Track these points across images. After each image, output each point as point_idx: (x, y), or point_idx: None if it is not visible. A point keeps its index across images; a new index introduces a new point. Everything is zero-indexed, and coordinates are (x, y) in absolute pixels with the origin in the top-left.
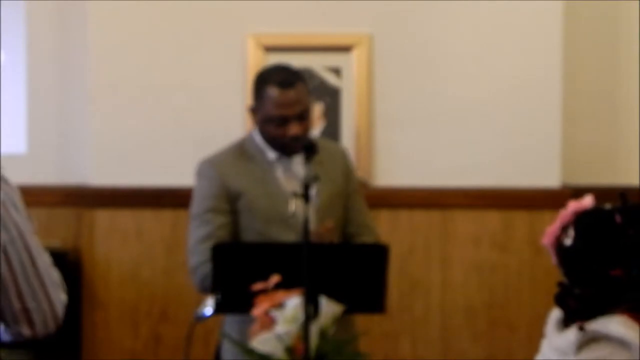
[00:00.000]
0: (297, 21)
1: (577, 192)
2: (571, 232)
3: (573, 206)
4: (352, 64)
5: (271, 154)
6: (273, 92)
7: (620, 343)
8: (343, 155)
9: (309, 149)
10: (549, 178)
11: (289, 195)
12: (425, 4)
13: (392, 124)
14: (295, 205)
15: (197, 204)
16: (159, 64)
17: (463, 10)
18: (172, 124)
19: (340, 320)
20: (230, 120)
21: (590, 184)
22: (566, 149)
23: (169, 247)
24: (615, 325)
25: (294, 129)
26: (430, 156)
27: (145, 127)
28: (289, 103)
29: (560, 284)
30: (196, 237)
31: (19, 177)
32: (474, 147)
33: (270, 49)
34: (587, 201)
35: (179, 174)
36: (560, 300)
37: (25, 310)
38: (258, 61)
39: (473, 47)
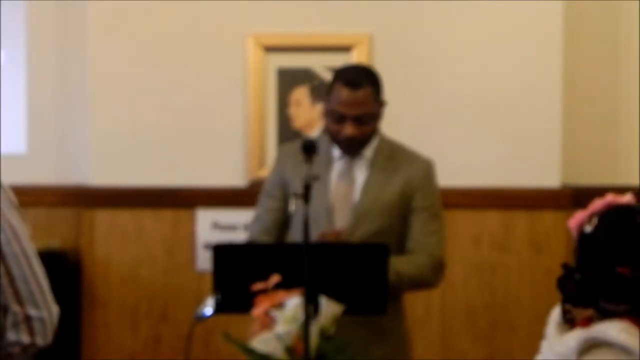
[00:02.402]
0: (297, 21)
1: (577, 192)
2: (595, 221)
3: (609, 198)
4: None
5: (336, 151)
6: (339, 88)
7: (622, 349)
8: (421, 171)
9: (309, 149)
10: (549, 178)
11: (328, 197)
12: (425, 4)
13: (392, 124)
14: (294, 205)
15: (264, 187)
16: (159, 64)
17: (463, 10)
18: (172, 124)
19: (384, 331)
20: (231, 120)
21: (590, 184)
22: (566, 149)
23: (169, 247)
24: (616, 331)
25: (348, 130)
26: (430, 156)
27: (145, 127)
28: (349, 103)
29: (564, 266)
30: (254, 216)
31: (19, 177)
32: (474, 147)
33: (270, 49)
34: (626, 198)
35: (179, 174)
36: (561, 282)
37: (27, 318)
38: (258, 61)
39: (473, 47)
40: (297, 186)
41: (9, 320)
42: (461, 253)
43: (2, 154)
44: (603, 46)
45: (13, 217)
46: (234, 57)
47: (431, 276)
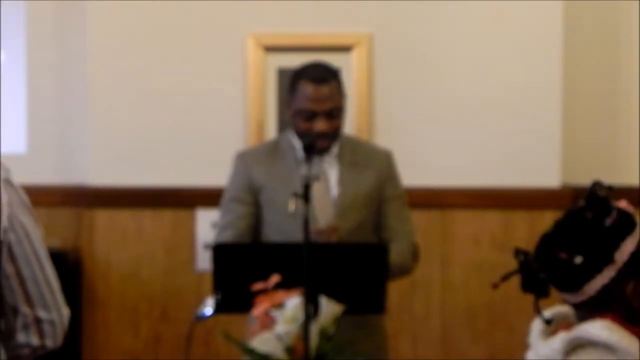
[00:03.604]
0: (297, 21)
1: (577, 192)
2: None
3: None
4: (352, 64)
5: (301, 151)
6: (305, 86)
7: (606, 347)
8: (385, 161)
9: (309, 149)
10: (549, 178)
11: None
12: (425, 4)
13: (392, 124)
14: (294, 205)
15: (226, 193)
16: (159, 64)
17: (463, 10)
18: (172, 124)
19: (370, 327)
20: (231, 120)
21: (590, 184)
22: (566, 149)
23: (169, 247)
24: (598, 329)
25: (321, 125)
26: (430, 156)
27: (145, 127)
28: (319, 98)
29: (521, 253)
30: (220, 224)
31: (19, 177)
32: (474, 147)
33: (270, 49)
34: (622, 202)
35: (179, 174)
36: (522, 268)
37: (37, 320)
38: (258, 61)
39: (473, 47)
40: (275, 189)
41: (19, 322)
42: (461, 253)
43: (2, 154)
44: (603, 46)
45: (25, 217)
46: (234, 57)
47: (412, 263)
